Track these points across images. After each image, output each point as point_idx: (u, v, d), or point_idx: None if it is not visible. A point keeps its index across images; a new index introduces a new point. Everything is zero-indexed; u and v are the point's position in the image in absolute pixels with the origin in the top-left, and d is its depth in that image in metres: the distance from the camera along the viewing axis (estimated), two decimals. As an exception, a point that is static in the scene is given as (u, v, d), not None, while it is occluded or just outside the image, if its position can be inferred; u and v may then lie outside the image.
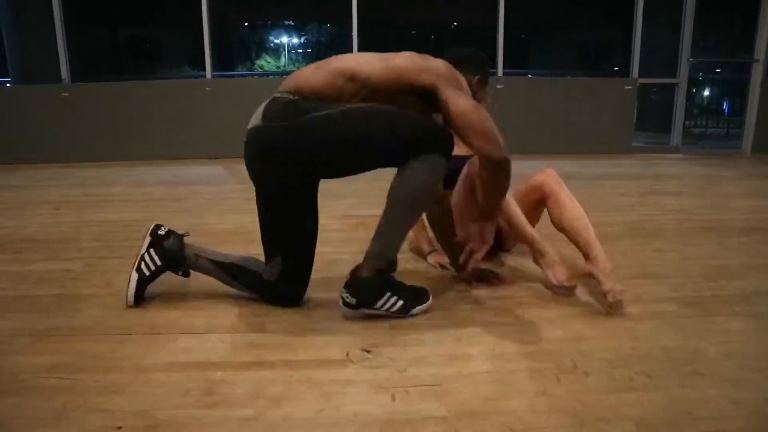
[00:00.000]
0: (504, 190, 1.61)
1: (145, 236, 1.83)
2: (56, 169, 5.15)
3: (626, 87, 5.87)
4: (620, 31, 6.58)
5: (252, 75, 7.54)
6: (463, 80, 1.58)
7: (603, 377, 1.30)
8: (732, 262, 2.22)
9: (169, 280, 1.85)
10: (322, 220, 1.77)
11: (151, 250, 1.79)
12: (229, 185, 4.25)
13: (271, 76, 8.64)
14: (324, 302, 1.83)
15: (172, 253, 1.79)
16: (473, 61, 1.92)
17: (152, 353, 1.45)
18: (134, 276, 1.76)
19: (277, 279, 1.71)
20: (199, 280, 1.88)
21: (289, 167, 1.56)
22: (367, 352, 1.44)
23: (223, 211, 3.25)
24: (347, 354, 1.43)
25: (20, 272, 2.19)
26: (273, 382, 1.30)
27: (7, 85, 7.03)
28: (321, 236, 1.76)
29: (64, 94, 5.61)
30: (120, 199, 3.73)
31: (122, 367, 1.38)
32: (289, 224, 1.67)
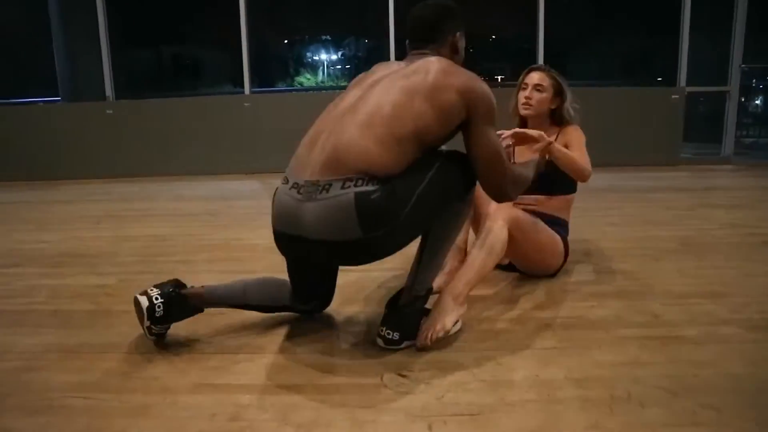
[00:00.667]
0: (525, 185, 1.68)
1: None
2: (100, 185, 5.27)
3: (673, 96, 5.64)
4: (663, 38, 6.35)
5: (289, 91, 7.57)
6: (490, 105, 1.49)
7: (662, 409, 1.17)
8: (800, 281, 2.05)
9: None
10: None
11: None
12: (265, 200, 4.24)
13: (309, 92, 8.66)
14: (356, 319, 1.76)
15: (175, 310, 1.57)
16: (452, 16, 1.62)
17: (180, 373, 1.41)
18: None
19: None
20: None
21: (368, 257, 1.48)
22: (403, 376, 1.36)
23: (257, 226, 3.22)
24: (381, 378, 1.35)
25: (57, 286, 2.19)
26: (302, 407, 1.23)
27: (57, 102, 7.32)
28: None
29: (108, 111, 5.75)
30: (158, 213, 3.76)
31: (149, 388, 1.33)
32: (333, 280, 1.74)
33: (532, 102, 2.09)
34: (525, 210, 1.98)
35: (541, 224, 1.99)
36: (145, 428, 1.15)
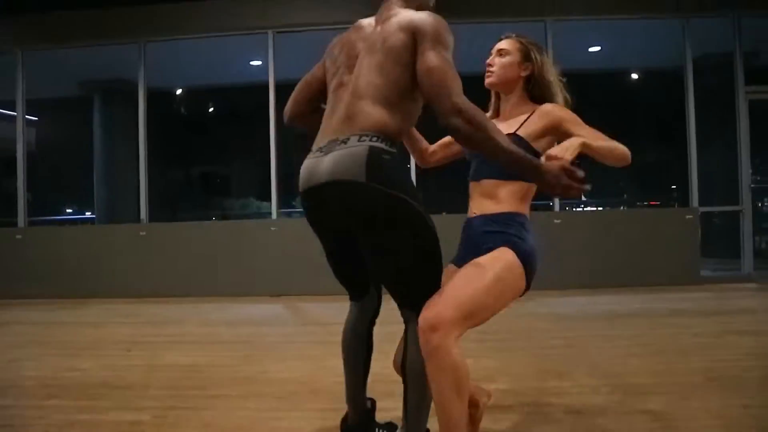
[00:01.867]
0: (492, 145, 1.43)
1: None
2: (129, 305, 5.41)
3: (687, 216, 5.79)
4: (676, 152, 6.57)
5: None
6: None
7: None
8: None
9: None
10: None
11: None
12: (291, 326, 4.33)
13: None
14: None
15: None
16: None
17: None
18: None
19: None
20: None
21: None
22: None
23: (285, 357, 3.28)
24: None
25: (92, 422, 2.25)
26: None
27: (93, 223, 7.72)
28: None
29: (141, 233, 6.05)
30: (188, 340, 3.84)
31: None
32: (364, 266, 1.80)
33: (494, 68, 1.80)
34: (476, 200, 1.75)
35: (469, 275, 1.54)
36: None
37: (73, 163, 9.05)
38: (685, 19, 5.86)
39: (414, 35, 1.54)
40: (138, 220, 6.62)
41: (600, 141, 1.60)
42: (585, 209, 7.95)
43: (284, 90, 6.50)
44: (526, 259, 1.60)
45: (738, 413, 2.15)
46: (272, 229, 6.02)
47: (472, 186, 1.81)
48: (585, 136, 1.60)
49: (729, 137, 6.05)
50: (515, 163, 1.42)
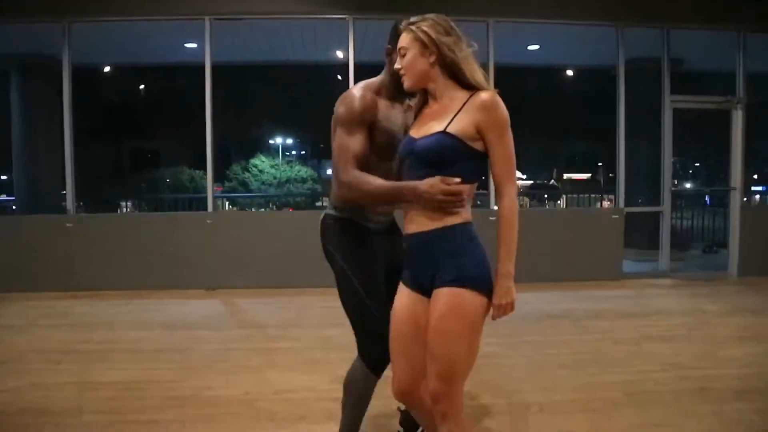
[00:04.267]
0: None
1: None
2: (56, 301, 5.15)
3: (613, 216, 6.13)
4: (604, 143, 6.87)
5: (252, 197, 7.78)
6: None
7: None
8: (732, 443, 2.26)
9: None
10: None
11: None
12: (229, 329, 4.28)
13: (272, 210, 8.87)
14: None
15: None
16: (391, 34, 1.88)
17: None
18: None
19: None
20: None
21: None
22: None
23: (226, 370, 3.27)
24: None
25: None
26: None
27: (13, 207, 7.26)
28: None
29: (68, 225, 5.75)
30: (122, 348, 3.73)
31: None
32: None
33: (403, 71, 1.69)
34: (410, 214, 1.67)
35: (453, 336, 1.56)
36: None
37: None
38: (619, 28, 6.09)
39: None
40: (63, 209, 6.29)
41: (504, 240, 1.61)
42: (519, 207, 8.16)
43: (220, 71, 6.33)
44: (488, 287, 1.60)
45: (652, 434, 2.35)
46: (207, 221, 5.87)
47: None
48: (497, 159, 1.59)
49: (655, 141, 6.39)
50: (394, 199, 1.69)
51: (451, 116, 1.60)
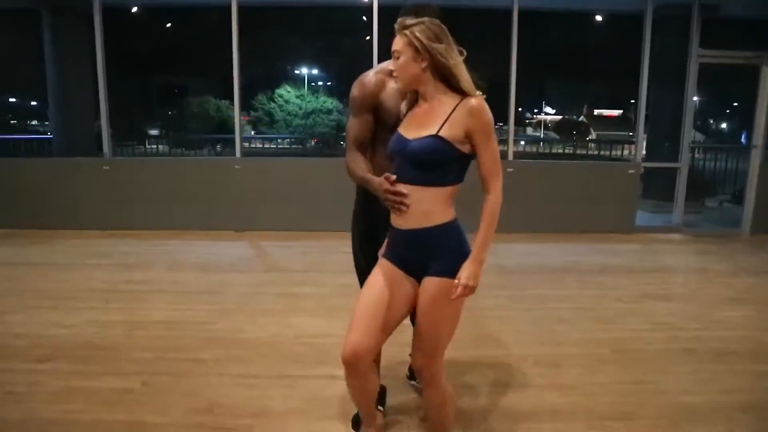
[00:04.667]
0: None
1: None
2: (96, 240, 5.60)
3: (630, 171, 6.24)
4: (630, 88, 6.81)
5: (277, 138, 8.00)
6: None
7: None
8: (701, 400, 2.54)
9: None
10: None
11: None
12: (256, 273, 4.64)
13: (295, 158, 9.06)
14: None
15: None
16: None
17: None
18: None
19: None
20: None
21: None
22: None
23: (254, 312, 3.64)
24: None
25: (88, 390, 2.57)
26: None
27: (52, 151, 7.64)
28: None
29: (105, 168, 6.10)
30: (160, 289, 4.12)
31: None
32: None
33: (396, 73, 1.79)
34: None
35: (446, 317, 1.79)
36: None
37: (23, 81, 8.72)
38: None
39: None
40: (95, 148, 6.63)
41: (483, 229, 1.75)
42: (537, 162, 8.26)
43: (246, 11, 6.41)
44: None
45: (628, 389, 2.64)
46: (236, 167, 6.16)
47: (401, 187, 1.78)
48: (484, 160, 1.72)
49: (680, 96, 6.36)
50: (366, 187, 1.93)
51: (442, 120, 1.71)
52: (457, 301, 1.75)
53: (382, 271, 1.85)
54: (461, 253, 1.77)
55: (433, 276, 1.77)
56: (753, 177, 6.32)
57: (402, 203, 1.73)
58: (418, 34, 1.71)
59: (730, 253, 5.52)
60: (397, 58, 1.75)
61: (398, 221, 1.80)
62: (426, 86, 1.76)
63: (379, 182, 1.78)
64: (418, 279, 1.82)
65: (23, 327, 3.35)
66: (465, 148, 1.73)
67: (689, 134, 6.35)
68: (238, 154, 6.30)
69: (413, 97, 1.84)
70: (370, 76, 2.08)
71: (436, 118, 1.73)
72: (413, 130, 1.76)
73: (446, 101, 1.75)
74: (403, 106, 1.89)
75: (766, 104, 6.14)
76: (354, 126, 2.07)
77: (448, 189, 1.75)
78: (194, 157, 9.22)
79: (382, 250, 1.92)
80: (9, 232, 5.80)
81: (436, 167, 1.72)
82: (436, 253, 1.77)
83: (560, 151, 16.84)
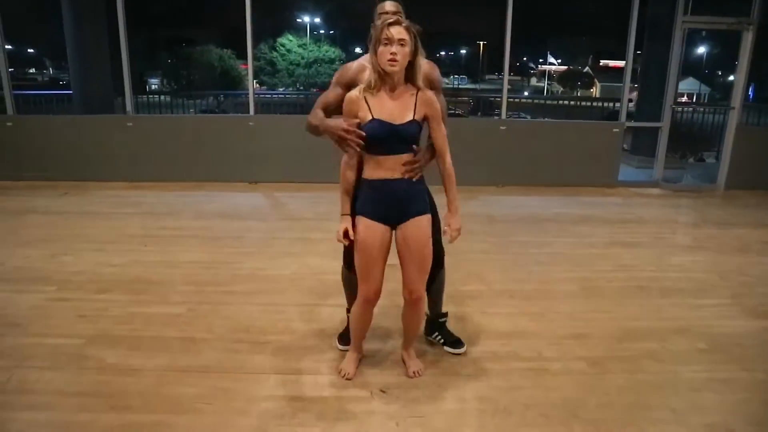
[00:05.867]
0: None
1: None
2: (125, 191, 6.17)
3: (614, 130, 6.71)
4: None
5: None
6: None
7: (518, 417, 2.26)
8: (643, 325, 3.14)
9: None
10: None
11: None
12: (273, 221, 5.21)
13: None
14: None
15: None
16: None
17: (252, 390, 2.43)
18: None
19: None
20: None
21: None
22: (383, 392, 2.42)
23: (274, 255, 4.22)
24: (371, 393, 2.40)
25: (146, 314, 3.17)
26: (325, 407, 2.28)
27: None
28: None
29: (128, 124, 6.59)
30: (190, 234, 4.68)
31: (237, 397, 2.36)
32: None
33: (398, 58, 2.13)
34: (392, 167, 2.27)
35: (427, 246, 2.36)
36: (240, 423, 2.20)
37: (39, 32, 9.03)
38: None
39: None
40: (112, 105, 7.09)
41: (452, 189, 2.37)
42: (528, 120, 8.61)
43: None
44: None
45: (586, 317, 3.24)
46: (250, 123, 6.64)
47: (383, 157, 2.26)
48: (438, 135, 2.31)
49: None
50: (318, 129, 2.40)
51: (412, 108, 2.23)
52: (430, 229, 2.38)
53: (368, 227, 2.33)
54: (427, 195, 2.43)
55: (417, 216, 2.35)
56: (729, 136, 6.80)
57: (357, 143, 2.22)
58: (415, 31, 2.17)
59: (701, 207, 6.07)
60: (403, 45, 2.13)
61: (383, 176, 2.28)
62: (400, 74, 2.21)
63: (336, 123, 2.27)
64: (393, 225, 2.37)
65: (77, 266, 3.93)
66: (425, 125, 2.32)
67: (672, 95, 6.77)
68: (251, 111, 6.77)
69: (377, 82, 2.23)
70: (353, 63, 2.59)
71: (407, 108, 2.24)
72: (395, 117, 2.23)
73: (407, 93, 2.24)
74: (360, 86, 2.29)
75: (745, 68, 6.54)
76: (327, 94, 2.55)
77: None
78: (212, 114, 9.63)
79: (348, 210, 2.41)
80: (44, 184, 6.35)
81: (415, 141, 2.30)
82: (412, 197, 2.34)
83: (564, 103, 17.19)
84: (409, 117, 2.24)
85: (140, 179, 6.50)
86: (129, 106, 6.69)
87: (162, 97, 13.19)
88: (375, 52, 2.16)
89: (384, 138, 2.25)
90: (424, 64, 2.33)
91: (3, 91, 6.53)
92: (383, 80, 2.22)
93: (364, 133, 2.22)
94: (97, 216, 5.23)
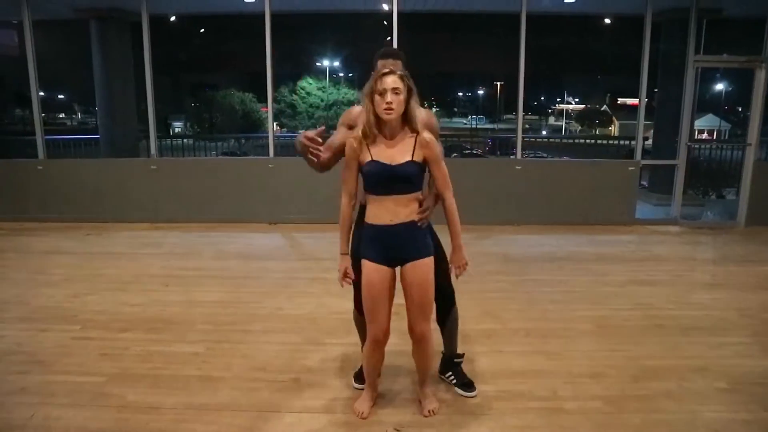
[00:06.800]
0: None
1: None
2: (148, 232, 6.34)
3: (630, 168, 6.74)
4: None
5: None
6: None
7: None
8: (660, 363, 3.10)
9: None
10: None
11: None
12: (291, 261, 5.30)
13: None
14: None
15: None
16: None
17: (268, 428, 2.46)
18: None
19: None
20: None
21: None
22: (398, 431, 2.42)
23: (292, 294, 4.27)
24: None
25: (164, 352, 3.23)
26: (344, 451, 2.29)
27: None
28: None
29: (153, 167, 6.81)
30: (210, 275, 4.78)
31: (256, 437, 2.39)
32: None
33: (393, 106, 2.26)
34: (390, 210, 2.36)
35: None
36: (264, 462, 2.21)
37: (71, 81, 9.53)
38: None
39: None
40: (138, 148, 7.33)
41: (453, 226, 2.41)
42: (543, 160, 8.74)
43: (278, 19, 7.03)
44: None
45: (603, 355, 3.22)
46: (270, 165, 6.81)
47: (383, 197, 2.35)
48: (438, 174, 2.38)
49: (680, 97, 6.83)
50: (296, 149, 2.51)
51: (411, 151, 2.32)
52: (432, 271, 2.42)
53: (372, 270, 2.39)
54: (430, 236, 2.48)
55: (420, 259, 2.41)
56: (747, 173, 6.77)
57: (317, 150, 2.40)
58: (408, 83, 2.32)
59: (721, 244, 6.01)
60: (397, 93, 2.27)
61: (385, 219, 2.35)
62: (397, 120, 2.32)
63: (300, 138, 2.43)
64: (395, 266, 2.43)
65: (99, 306, 4.03)
66: (425, 167, 2.39)
67: (686, 133, 6.79)
68: (271, 153, 6.96)
69: (372, 130, 2.34)
70: (356, 107, 2.72)
71: (405, 149, 2.33)
72: (394, 159, 2.32)
73: (406, 137, 2.35)
74: (357, 130, 2.41)
75: (760, 105, 6.56)
76: (334, 135, 2.71)
77: (417, 193, 2.40)
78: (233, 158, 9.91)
79: (347, 249, 2.46)
80: (70, 225, 6.55)
81: (413, 181, 2.36)
82: (414, 240, 2.40)
83: (581, 141, 17.34)
84: (408, 158, 2.33)
85: (162, 220, 6.67)
86: (153, 149, 6.92)
87: (185, 140, 13.59)
88: (371, 100, 2.30)
89: (382, 178, 2.35)
90: (423, 113, 2.48)
91: (36, 137, 6.82)
92: (380, 128, 2.34)
93: (321, 140, 2.41)
94: (119, 256, 5.37)
